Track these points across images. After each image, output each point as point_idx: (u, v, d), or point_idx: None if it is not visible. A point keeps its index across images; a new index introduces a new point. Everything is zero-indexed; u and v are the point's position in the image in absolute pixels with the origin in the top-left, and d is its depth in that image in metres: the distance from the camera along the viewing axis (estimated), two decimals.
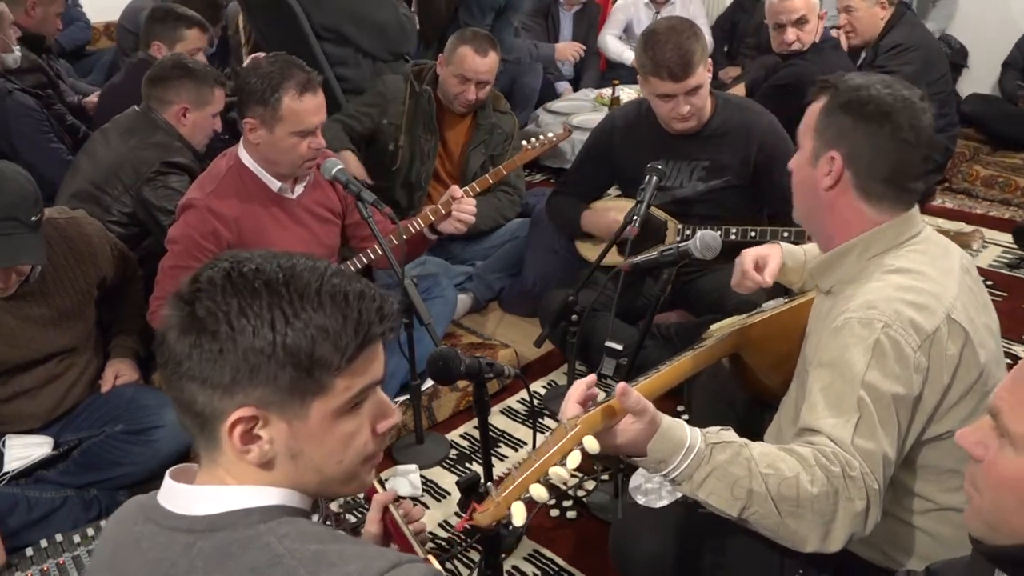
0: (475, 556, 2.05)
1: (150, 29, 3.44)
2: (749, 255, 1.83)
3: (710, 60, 2.47)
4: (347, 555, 0.86)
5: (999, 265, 3.51)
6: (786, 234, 2.44)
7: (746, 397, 1.88)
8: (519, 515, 1.14)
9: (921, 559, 1.42)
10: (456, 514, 2.19)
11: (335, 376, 0.90)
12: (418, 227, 2.47)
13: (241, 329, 0.87)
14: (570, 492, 2.23)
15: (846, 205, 1.46)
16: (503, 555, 1.96)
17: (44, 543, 2.00)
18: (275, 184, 2.34)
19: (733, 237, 2.48)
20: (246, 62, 3.90)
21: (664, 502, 1.95)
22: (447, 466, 2.41)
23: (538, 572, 2.03)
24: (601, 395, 1.31)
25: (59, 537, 2.02)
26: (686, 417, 2.22)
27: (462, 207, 2.46)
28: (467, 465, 2.41)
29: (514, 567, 2.04)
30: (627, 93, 4.14)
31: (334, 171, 2.21)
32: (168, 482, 0.95)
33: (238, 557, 0.86)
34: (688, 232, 2.55)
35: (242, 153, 2.32)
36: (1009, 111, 4.52)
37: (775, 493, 1.22)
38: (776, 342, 1.71)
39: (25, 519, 2.05)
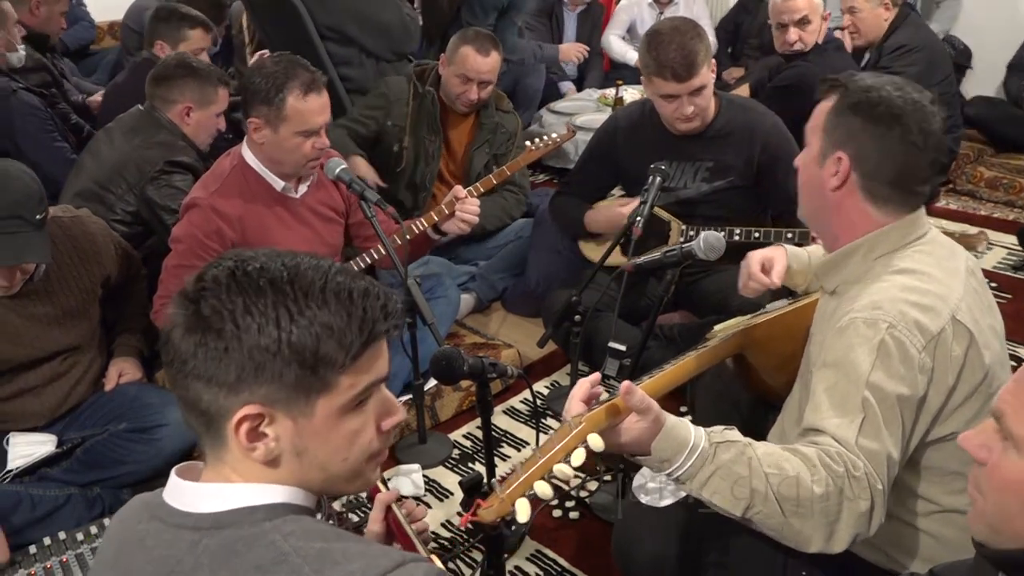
0: (478, 556, 2.05)
1: (154, 28, 3.45)
2: (755, 257, 1.82)
3: (714, 61, 2.46)
4: (351, 553, 0.86)
5: (1004, 267, 3.50)
6: (790, 235, 2.43)
7: (750, 397, 1.87)
8: (523, 511, 1.14)
9: (924, 561, 1.41)
10: (459, 513, 2.19)
11: (340, 373, 0.90)
12: (421, 227, 2.47)
13: (246, 327, 0.87)
14: (573, 492, 2.23)
15: (852, 206, 1.45)
16: (506, 555, 1.96)
17: (47, 541, 2.01)
18: (279, 183, 2.34)
19: (737, 238, 2.48)
20: (250, 61, 3.92)
21: (667, 501, 1.95)
22: (450, 466, 2.41)
23: (540, 572, 2.03)
24: (605, 394, 1.31)
25: (62, 535, 2.03)
26: (690, 417, 2.21)
27: (466, 207, 2.46)
28: (470, 465, 2.41)
29: (516, 567, 2.03)
30: (631, 93, 4.13)
31: (337, 170, 2.21)
32: (174, 479, 0.95)
33: (243, 555, 0.86)
34: (692, 233, 2.55)
35: (246, 152, 2.33)
36: (1014, 113, 4.49)
37: (778, 493, 1.22)
38: (780, 342, 1.70)
39: (29, 517, 2.06)
